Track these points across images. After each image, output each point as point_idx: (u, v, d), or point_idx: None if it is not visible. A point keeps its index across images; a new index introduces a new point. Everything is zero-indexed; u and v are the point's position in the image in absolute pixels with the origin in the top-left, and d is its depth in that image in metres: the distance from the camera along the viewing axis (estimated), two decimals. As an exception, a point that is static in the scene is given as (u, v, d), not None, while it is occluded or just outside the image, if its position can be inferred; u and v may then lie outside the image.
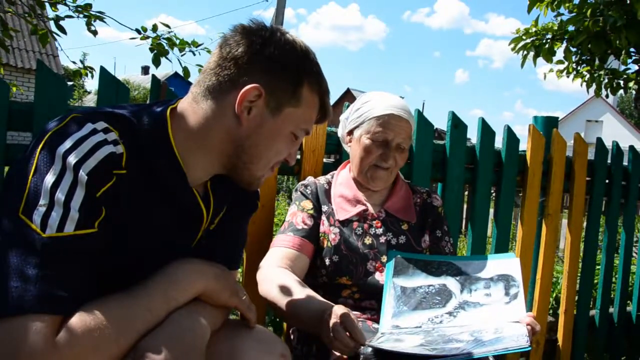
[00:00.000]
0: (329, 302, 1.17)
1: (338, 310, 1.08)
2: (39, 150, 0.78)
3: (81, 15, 2.57)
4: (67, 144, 0.78)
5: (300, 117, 0.94)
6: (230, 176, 0.97)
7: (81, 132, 0.80)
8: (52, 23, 2.68)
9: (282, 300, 1.21)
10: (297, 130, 0.96)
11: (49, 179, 0.76)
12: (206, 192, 0.97)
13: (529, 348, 1.05)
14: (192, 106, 0.91)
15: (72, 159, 0.77)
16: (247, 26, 0.92)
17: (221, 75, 0.90)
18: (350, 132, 1.51)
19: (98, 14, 2.60)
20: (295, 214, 1.46)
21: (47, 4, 2.69)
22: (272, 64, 0.90)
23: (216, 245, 1.02)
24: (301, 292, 1.21)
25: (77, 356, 0.73)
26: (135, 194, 0.84)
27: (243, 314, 0.97)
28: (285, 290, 1.23)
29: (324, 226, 1.46)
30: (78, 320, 0.74)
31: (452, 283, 1.34)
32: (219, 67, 0.90)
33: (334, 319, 1.06)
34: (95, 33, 2.67)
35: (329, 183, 1.53)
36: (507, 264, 1.36)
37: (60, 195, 0.75)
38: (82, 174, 0.77)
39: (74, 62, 3.02)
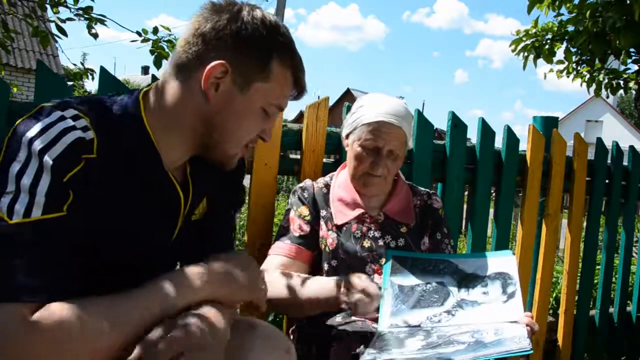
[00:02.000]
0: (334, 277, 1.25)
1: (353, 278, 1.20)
2: (6, 139, 0.79)
3: (82, 18, 2.57)
4: (34, 131, 0.78)
5: (271, 92, 0.92)
6: (204, 156, 0.97)
7: (48, 119, 0.80)
8: (53, 25, 2.68)
9: (290, 294, 1.25)
10: (268, 106, 0.94)
11: (15, 166, 0.77)
12: (185, 179, 0.96)
13: (531, 351, 1.05)
14: (164, 86, 0.92)
15: (37, 146, 0.77)
16: (216, 3, 0.91)
17: (189, 53, 0.89)
18: (347, 136, 1.50)
19: (99, 17, 2.60)
20: (293, 220, 1.46)
21: (47, 6, 2.69)
22: (239, 39, 0.88)
23: (206, 242, 1.03)
24: (305, 281, 1.25)
25: (52, 343, 0.72)
26: (109, 179, 0.84)
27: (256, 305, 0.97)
28: (290, 285, 1.26)
29: (322, 231, 1.45)
30: (55, 308, 0.73)
31: (449, 281, 1.34)
32: (187, 44, 0.90)
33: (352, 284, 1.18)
34: (96, 36, 2.67)
35: (327, 186, 1.52)
36: (504, 261, 1.36)
37: (26, 182, 0.76)
38: (48, 160, 0.77)
39: (74, 64, 3.03)
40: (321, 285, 1.25)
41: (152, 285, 0.84)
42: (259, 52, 0.89)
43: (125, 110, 0.88)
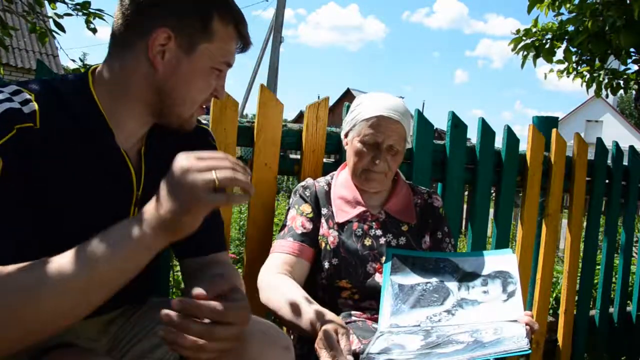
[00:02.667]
0: (325, 312, 1.16)
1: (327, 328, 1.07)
2: None
3: (80, 13, 2.56)
4: None
5: (217, 51, 0.93)
6: (161, 123, 0.97)
7: None
8: (51, 21, 2.68)
9: (282, 310, 1.22)
10: (216, 64, 0.94)
11: None
12: (139, 161, 0.96)
13: (529, 351, 1.05)
14: (111, 60, 0.92)
15: None
16: None
17: (128, 24, 0.90)
18: (346, 135, 1.51)
19: (97, 12, 2.59)
20: (295, 218, 1.45)
21: (46, 2, 2.68)
22: (176, 2, 0.88)
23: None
24: (301, 301, 1.21)
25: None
26: (54, 150, 0.83)
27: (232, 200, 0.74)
28: (285, 300, 1.23)
29: (323, 229, 1.45)
30: None
31: (449, 280, 1.34)
32: (125, 15, 0.90)
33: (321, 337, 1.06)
34: (94, 31, 2.67)
35: (329, 184, 1.53)
36: (504, 260, 1.36)
37: None
38: None
39: (73, 61, 3.03)
40: (302, 315, 1.18)
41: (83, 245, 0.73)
42: (198, 12, 0.89)
43: (73, 85, 0.89)
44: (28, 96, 0.82)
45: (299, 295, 1.23)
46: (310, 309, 1.17)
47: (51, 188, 0.83)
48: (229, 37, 0.94)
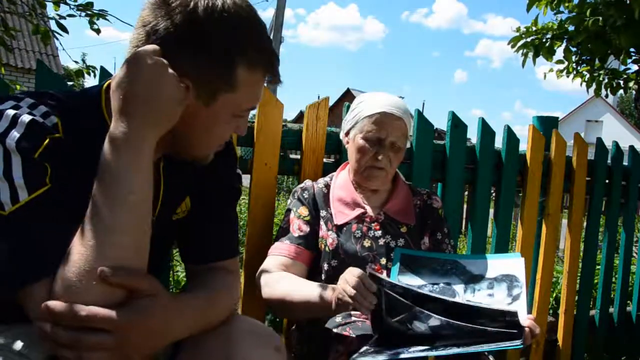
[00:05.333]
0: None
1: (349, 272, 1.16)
2: None
3: (83, 14, 2.56)
4: None
5: (239, 100, 0.86)
6: (176, 156, 0.94)
7: (0, 107, 0.78)
8: (53, 22, 2.68)
9: (290, 294, 1.25)
10: (239, 112, 0.89)
11: None
12: (157, 177, 0.92)
13: (520, 346, 1.06)
14: None
15: None
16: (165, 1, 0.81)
17: None
18: (347, 133, 1.51)
19: (100, 12, 2.59)
20: (292, 220, 1.46)
21: (47, 3, 2.68)
22: (198, 50, 0.81)
23: (199, 237, 1.02)
24: (304, 283, 1.26)
25: (73, 293, 0.73)
26: (79, 165, 0.81)
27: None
28: (289, 286, 1.26)
29: (322, 231, 1.45)
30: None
31: (456, 282, 1.34)
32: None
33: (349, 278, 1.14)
34: (98, 31, 2.66)
35: (328, 186, 1.53)
36: (512, 263, 1.36)
37: None
38: (10, 143, 0.75)
39: (75, 62, 3.02)
40: (315, 289, 1.24)
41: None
42: (221, 62, 0.82)
43: (85, 103, 0.86)
44: (46, 109, 0.81)
45: (304, 280, 1.28)
46: (320, 285, 1.23)
47: (79, 198, 0.81)
48: (255, 82, 0.87)
